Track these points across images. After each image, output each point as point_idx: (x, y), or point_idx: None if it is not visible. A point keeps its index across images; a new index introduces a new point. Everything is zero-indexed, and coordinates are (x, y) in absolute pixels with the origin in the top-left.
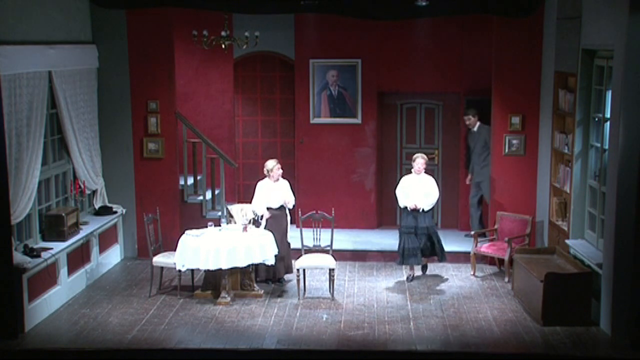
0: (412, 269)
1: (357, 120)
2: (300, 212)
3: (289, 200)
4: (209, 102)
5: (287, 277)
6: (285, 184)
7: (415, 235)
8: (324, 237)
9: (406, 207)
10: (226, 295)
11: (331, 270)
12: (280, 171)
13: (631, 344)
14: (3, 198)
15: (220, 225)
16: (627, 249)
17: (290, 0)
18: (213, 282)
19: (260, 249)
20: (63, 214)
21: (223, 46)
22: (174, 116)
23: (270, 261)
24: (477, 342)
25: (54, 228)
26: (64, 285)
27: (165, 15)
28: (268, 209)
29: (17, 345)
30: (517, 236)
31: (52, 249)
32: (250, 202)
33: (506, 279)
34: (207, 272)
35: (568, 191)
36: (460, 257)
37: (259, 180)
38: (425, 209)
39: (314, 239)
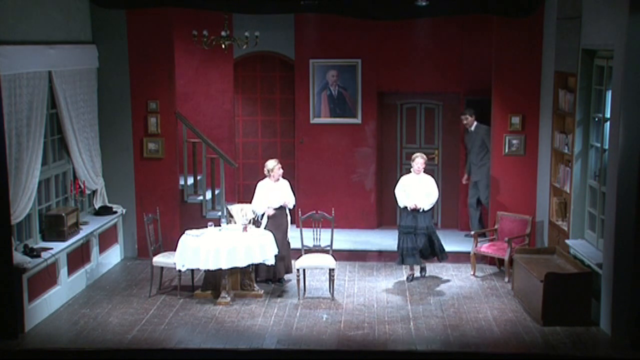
0: (412, 269)
1: (357, 120)
2: (300, 212)
3: (289, 201)
4: (209, 102)
5: (287, 277)
6: (285, 184)
7: (415, 235)
8: (324, 237)
9: (406, 207)
10: (226, 295)
11: (331, 270)
12: (281, 171)
13: (631, 344)
14: (3, 198)
15: (220, 225)
16: (627, 249)
17: (290, 0)
18: (213, 282)
19: (260, 249)
20: (63, 214)
21: (223, 46)
22: (174, 116)
23: (270, 261)
24: (477, 342)
25: (54, 228)
26: (64, 285)
27: (165, 15)
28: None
29: (17, 345)
30: (517, 236)
31: (52, 249)
32: (250, 202)
33: (506, 279)
34: (207, 272)
35: (568, 191)
36: (460, 257)
37: (259, 181)
38: (426, 209)
39: (314, 239)
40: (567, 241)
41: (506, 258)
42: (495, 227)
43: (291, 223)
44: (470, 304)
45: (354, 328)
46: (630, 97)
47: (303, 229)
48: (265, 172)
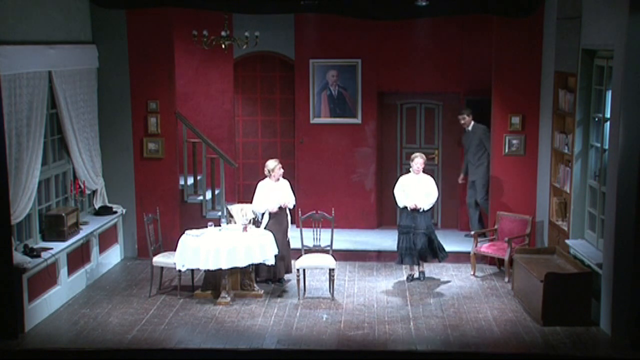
0: (412, 269)
1: (357, 120)
2: (300, 212)
3: (289, 201)
4: (209, 102)
5: (287, 277)
6: (285, 184)
7: (414, 235)
8: (324, 237)
9: (405, 207)
10: (226, 295)
11: (331, 270)
12: (282, 171)
13: (631, 344)
14: (3, 198)
15: (220, 225)
16: (627, 249)
17: (290, 0)
18: (213, 282)
19: (260, 249)
20: (63, 214)
21: (223, 46)
22: (174, 116)
23: (270, 261)
24: (477, 342)
25: (54, 228)
26: (64, 285)
27: (165, 15)
28: None
29: (17, 345)
30: (517, 236)
31: (52, 249)
32: (251, 202)
33: (506, 279)
34: (207, 272)
35: (568, 191)
36: (460, 257)
37: (259, 181)
38: (425, 209)
39: (314, 239)
40: (567, 241)
41: (506, 258)
42: (495, 227)
43: (291, 223)
44: (470, 304)
45: (354, 328)
46: (630, 97)
47: (303, 229)
48: (266, 172)
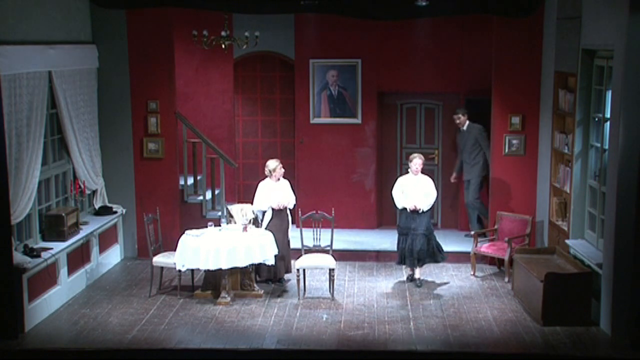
0: (412, 269)
1: (357, 120)
2: (300, 212)
3: (289, 200)
4: (209, 102)
5: (287, 277)
6: (286, 184)
7: (413, 235)
8: (324, 237)
9: (405, 208)
10: (226, 295)
11: (331, 270)
12: (282, 171)
13: (631, 344)
14: (3, 198)
15: (220, 225)
16: (627, 249)
17: (290, 0)
18: (213, 282)
19: (260, 249)
20: (63, 214)
21: (223, 46)
22: (174, 116)
23: (270, 261)
24: (477, 342)
25: (54, 228)
26: (64, 285)
27: (165, 15)
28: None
29: (17, 345)
30: (517, 236)
31: (52, 249)
32: (251, 202)
33: (506, 279)
34: (207, 272)
35: (568, 191)
36: (460, 257)
37: (259, 181)
38: (425, 210)
39: (314, 239)
40: (567, 241)
41: (506, 258)
42: (495, 227)
43: (291, 223)
44: (470, 304)
45: (354, 328)
46: (630, 97)
47: (303, 229)
48: (267, 172)
